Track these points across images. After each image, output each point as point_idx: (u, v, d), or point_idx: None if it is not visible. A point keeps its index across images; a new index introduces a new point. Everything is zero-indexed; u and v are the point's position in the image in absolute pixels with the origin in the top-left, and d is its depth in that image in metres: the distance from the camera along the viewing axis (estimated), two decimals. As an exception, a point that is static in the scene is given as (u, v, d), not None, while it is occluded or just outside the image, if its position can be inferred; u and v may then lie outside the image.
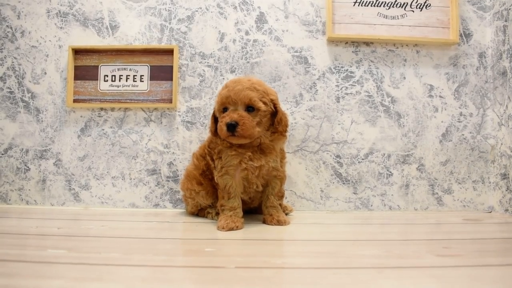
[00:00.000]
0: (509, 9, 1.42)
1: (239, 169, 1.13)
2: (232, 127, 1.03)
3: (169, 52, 1.49)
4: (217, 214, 1.20)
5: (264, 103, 1.08)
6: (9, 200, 1.50)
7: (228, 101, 1.07)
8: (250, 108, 1.07)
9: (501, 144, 1.45)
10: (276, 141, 1.16)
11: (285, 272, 0.67)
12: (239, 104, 1.06)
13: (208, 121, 1.48)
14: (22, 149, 1.51)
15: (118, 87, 1.50)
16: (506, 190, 1.41)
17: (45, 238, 0.93)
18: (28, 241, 0.90)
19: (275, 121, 1.12)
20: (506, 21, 1.44)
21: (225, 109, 1.09)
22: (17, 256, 0.74)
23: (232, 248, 0.86)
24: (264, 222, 1.18)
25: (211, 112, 1.41)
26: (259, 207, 1.27)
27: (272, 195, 1.20)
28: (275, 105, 1.12)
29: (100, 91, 1.49)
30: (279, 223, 1.15)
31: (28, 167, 1.50)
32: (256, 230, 1.06)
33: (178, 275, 0.64)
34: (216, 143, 1.17)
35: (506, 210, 1.41)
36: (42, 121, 1.51)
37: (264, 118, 1.10)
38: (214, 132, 1.15)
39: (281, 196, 1.23)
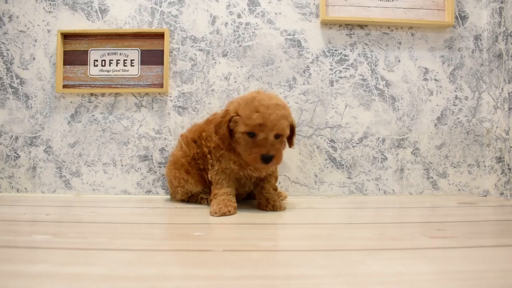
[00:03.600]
0: (506, -11, 1.39)
1: (235, 172, 1.14)
2: (268, 160, 1.02)
3: (160, 36, 1.46)
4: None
5: (288, 127, 1.07)
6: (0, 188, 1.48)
7: (261, 129, 1.02)
8: (278, 135, 1.05)
9: (497, 127, 1.44)
10: None
11: (274, 254, 0.65)
12: (272, 132, 1.03)
13: (202, 108, 1.46)
14: (12, 136, 1.48)
15: (108, 72, 1.47)
16: (501, 174, 1.40)
17: (33, 224, 0.91)
18: (15, 227, 0.88)
19: (290, 140, 1.15)
20: (502, 2, 1.41)
21: (252, 133, 1.04)
22: (2, 242, 0.73)
23: (222, 232, 0.85)
24: (259, 207, 1.16)
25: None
26: (252, 192, 1.25)
27: (267, 185, 1.18)
28: (291, 126, 1.11)
29: (90, 76, 1.46)
30: (274, 208, 1.13)
31: (18, 154, 1.48)
32: (249, 215, 1.04)
33: (164, 258, 0.63)
34: (218, 146, 1.13)
35: (501, 193, 1.40)
36: (31, 107, 1.48)
37: (284, 140, 1.10)
38: (228, 145, 1.09)
39: (275, 189, 1.22)
